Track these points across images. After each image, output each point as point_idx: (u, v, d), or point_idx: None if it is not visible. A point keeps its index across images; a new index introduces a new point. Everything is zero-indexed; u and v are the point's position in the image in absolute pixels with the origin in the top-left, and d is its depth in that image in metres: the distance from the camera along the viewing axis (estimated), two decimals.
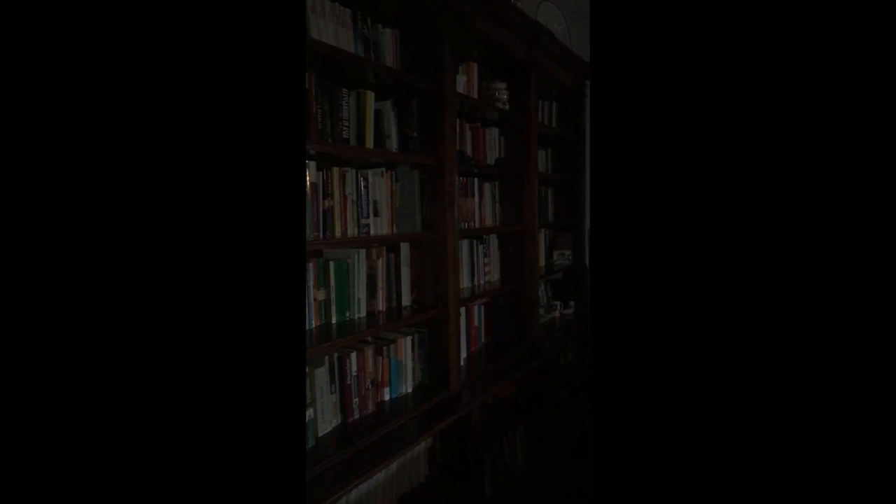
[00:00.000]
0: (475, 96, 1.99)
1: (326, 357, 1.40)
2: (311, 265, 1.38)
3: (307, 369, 1.32)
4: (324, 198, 1.38)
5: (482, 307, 2.15)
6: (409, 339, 1.68)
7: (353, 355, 1.47)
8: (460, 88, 1.85)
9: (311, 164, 1.34)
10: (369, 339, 1.59)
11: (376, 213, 1.55)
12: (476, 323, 2.12)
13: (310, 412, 1.32)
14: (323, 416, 1.37)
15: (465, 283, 2.04)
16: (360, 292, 1.55)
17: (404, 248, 1.70)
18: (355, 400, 1.48)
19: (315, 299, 1.41)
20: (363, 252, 1.56)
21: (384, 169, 1.59)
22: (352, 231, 1.46)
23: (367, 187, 1.51)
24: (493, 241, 2.24)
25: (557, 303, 2.69)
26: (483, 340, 2.18)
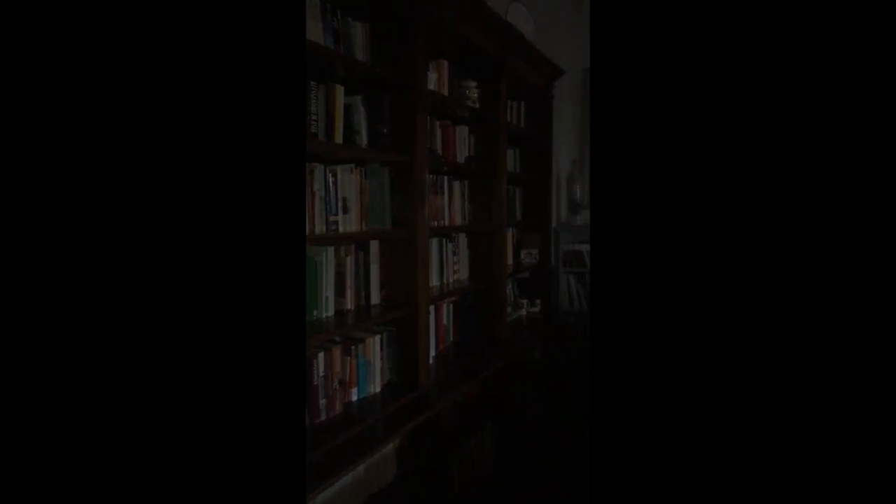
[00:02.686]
0: (446, 94, 1.98)
1: None
2: None
3: None
4: None
5: (451, 306, 2.15)
6: (377, 338, 1.65)
7: (321, 355, 1.43)
8: (431, 85, 1.84)
9: None
10: (337, 338, 1.55)
11: (345, 210, 1.52)
12: (445, 321, 2.11)
13: None
14: None
15: (434, 281, 2.02)
16: (329, 291, 1.51)
17: (374, 246, 1.67)
18: (322, 401, 1.44)
19: None
20: (331, 250, 1.52)
21: (353, 165, 1.55)
22: (320, 228, 1.43)
23: (335, 184, 1.48)
24: (463, 239, 2.24)
25: (524, 301, 2.72)
26: (451, 339, 2.17)
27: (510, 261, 2.63)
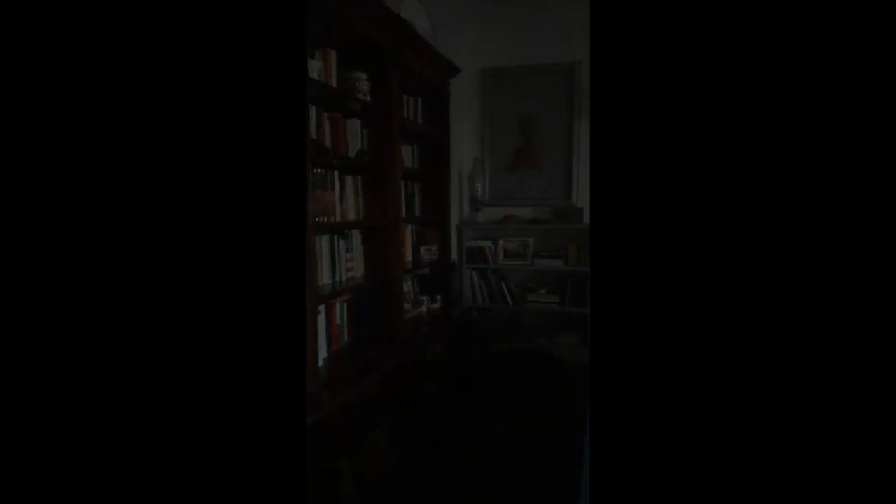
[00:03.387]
0: (334, 85, 1.91)
1: None
2: None
3: None
4: None
5: (345, 304, 2.09)
6: None
7: None
8: (315, 74, 1.76)
9: None
10: None
11: None
12: (338, 321, 2.04)
13: None
14: None
15: (325, 279, 1.95)
16: None
17: None
18: None
19: None
20: None
21: None
22: None
23: None
24: (356, 236, 2.18)
25: (424, 297, 2.72)
26: (346, 338, 2.11)
27: (409, 257, 2.62)
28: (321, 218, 1.85)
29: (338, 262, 2.03)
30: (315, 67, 1.77)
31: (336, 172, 1.99)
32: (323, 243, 1.93)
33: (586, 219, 3.38)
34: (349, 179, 2.09)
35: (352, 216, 2.10)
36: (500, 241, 3.46)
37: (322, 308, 1.89)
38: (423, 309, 2.71)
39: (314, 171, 1.82)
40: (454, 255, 3.31)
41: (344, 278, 2.07)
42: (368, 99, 2.08)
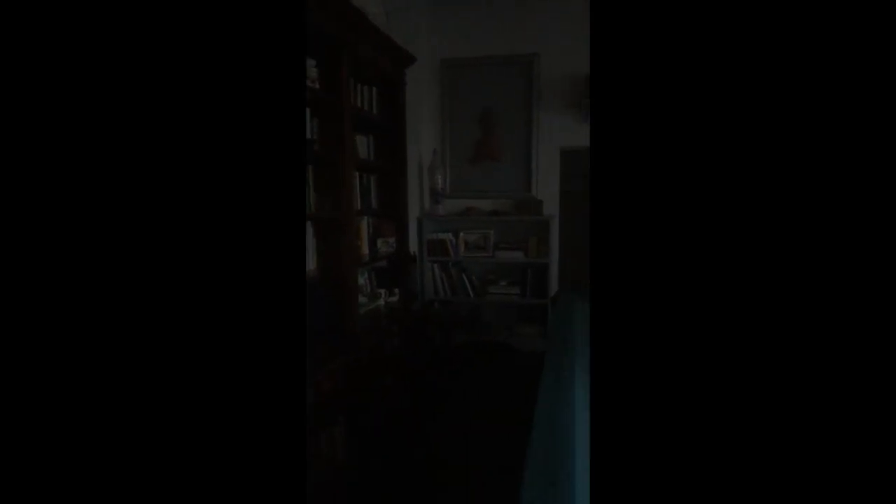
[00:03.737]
0: None
1: None
2: None
3: None
4: None
5: None
6: None
7: None
8: None
9: None
10: None
11: None
12: None
13: None
14: None
15: None
16: None
17: None
18: None
19: None
20: None
21: None
22: None
23: None
24: (308, 228, 2.12)
25: (382, 290, 2.68)
26: None
27: (366, 250, 2.57)
28: None
29: None
30: None
31: None
32: None
33: (546, 211, 3.41)
34: None
35: None
36: (462, 234, 3.45)
37: None
38: (381, 302, 2.67)
39: None
40: (414, 247, 3.28)
41: None
42: (318, 87, 2.02)
